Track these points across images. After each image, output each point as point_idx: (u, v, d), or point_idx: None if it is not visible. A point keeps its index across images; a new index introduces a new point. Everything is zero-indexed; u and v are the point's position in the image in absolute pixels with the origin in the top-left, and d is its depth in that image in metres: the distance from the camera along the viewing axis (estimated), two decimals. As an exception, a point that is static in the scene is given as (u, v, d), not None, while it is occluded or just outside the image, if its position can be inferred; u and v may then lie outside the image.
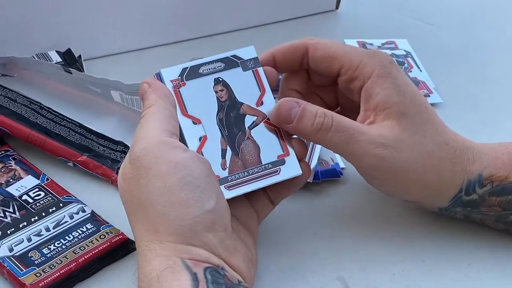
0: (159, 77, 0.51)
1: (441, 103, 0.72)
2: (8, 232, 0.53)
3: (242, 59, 0.53)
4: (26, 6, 0.71)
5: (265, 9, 0.84)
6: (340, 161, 0.62)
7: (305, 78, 0.56)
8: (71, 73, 0.67)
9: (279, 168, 0.51)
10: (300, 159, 0.52)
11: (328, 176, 0.60)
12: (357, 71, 0.52)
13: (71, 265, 0.51)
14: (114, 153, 0.62)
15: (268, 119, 0.52)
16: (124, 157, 0.59)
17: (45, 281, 0.50)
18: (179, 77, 0.52)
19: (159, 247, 0.44)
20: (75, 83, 0.68)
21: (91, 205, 0.56)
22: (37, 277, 0.50)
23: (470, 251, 0.55)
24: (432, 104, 0.71)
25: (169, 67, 0.52)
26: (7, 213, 0.55)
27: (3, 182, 0.58)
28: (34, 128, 0.62)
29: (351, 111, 0.55)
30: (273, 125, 0.52)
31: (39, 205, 0.56)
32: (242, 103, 0.52)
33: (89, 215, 0.55)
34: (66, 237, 0.53)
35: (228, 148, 0.51)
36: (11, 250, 0.52)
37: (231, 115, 0.52)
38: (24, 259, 0.51)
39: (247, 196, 0.51)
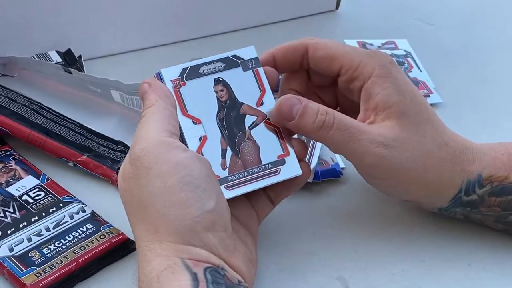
0: (159, 77, 0.51)
1: (441, 103, 0.72)
2: (8, 232, 0.53)
3: (243, 59, 0.53)
4: (26, 6, 0.71)
5: (265, 9, 0.84)
6: (340, 161, 0.62)
7: (305, 78, 0.56)
8: (71, 73, 0.67)
9: (279, 168, 0.51)
10: (300, 159, 0.52)
11: (328, 176, 0.60)
12: (357, 71, 0.53)
13: (71, 265, 0.51)
14: (114, 153, 0.62)
15: (268, 119, 0.52)
16: (124, 157, 0.59)
17: (45, 281, 0.50)
18: (179, 77, 0.52)
19: (159, 247, 0.44)
20: (75, 83, 0.68)
21: (91, 205, 0.56)
22: (37, 277, 0.50)
23: (470, 251, 0.55)
24: (432, 104, 0.71)
25: (169, 67, 0.52)
26: (7, 213, 0.55)
27: (3, 182, 0.58)
28: (34, 128, 0.62)
29: (351, 111, 0.55)
30: (273, 125, 0.52)
31: (39, 205, 0.56)
32: (242, 103, 0.52)
33: (89, 215, 0.55)
34: (66, 237, 0.53)
35: (228, 148, 0.51)
36: (11, 250, 0.52)
37: (231, 115, 0.52)
38: (24, 259, 0.51)
39: (247, 196, 0.51)
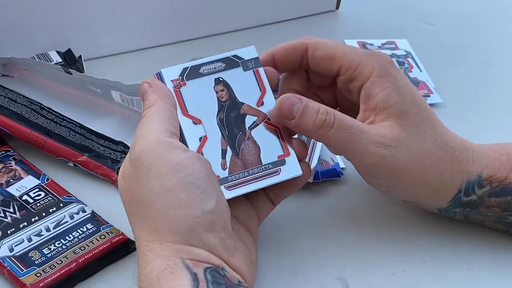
0: (159, 77, 0.51)
1: (441, 103, 0.72)
2: (9, 232, 0.53)
3: (243, 59, 0.53)
4: (26, 7, 0.71)
5: (265, 9, 0.84)
6: (340, 161, 0.62)
7: (305, 78, 0.56)
8: (71, 74, 0.67)
9: (280, 168, 0.51)
10: (301, 160, 0.52)
11: (328, 176, 0.60)
12: (357, 71, 0.53)
13: (72, 265, 0.51)
14: (114, 153, 0.62)
15: (268, 119, 0.52)
16: (124, 157, 0.59)
17: (45, 281, 0.50)
18: (180, 77, 0.51)
19: (159, 247, 0.44)
20: (75, 83, 0.68)
21: (91, 205, 0.56)
22: (38, 277, 0.50)
23: (470, 251, 0.55)
24: (432, 104, 0.71)
25: (170, 66, 0.52)
26: (7, 213, 0.55)
27: (3, 182, 0.58)
28: (35, 129, 0.62)
29: (350, 111, 0.55)
30: (274, 125, 0.52)
31: (39, 205, 0.56)
32: (243, 103, 0.52)
33: (89, 215, 0.55)
34: (67, 237, 0.53)
35: (229, 148, 0.51)
36: (11, 250, 0.52)
37: (231, 115, 0.52)
38: (24, 259, 0.51)
39: (247, 196, 0.51)
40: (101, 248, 0.52)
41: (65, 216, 0.55)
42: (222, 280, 0.44)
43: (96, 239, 0.53)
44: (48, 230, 0.53)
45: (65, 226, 0.54)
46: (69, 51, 0.73)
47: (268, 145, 0.52)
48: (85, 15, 0.74)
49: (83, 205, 0.56)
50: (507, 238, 0.56)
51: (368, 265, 0.54)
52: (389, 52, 0.79)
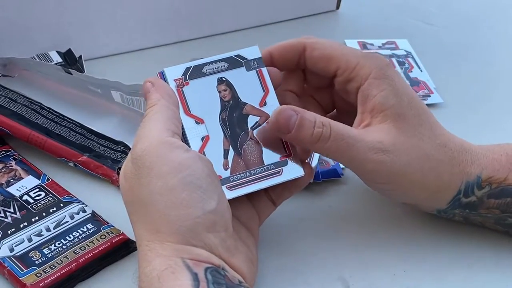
0: (162, 76, 0.51)
1: (441, 103, 0.72)
2: (9, 232, 0.53)
3: (246, 59, 0.53)
4: (26, 7, 0.71)
5: (266, 9, 0.84)
6: (341, 161, 0.62)
7: (302, 79, 0.56)
8: (71, 74, 0.67)
9: (281, 169, 0.51)
10: (303, 160, 0.52)
11: (328, 176, 0.60)
12: (354, 73, 0.52)
13: (72, 265, 0.51)
14: (114, 153, 0.62)
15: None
16: (125, 157, 0.59)
17: (45, 281, 0.50)
18: (183, 76, 0.51)
19: (160, 247, 0.44)
20: (76, 83, 0.68)
21: (91, 205, 0.56)
22: (38, 277, 0.50)
23: (471, 251, 0.55)
24: (432, 104, 0.71)
25: (173, 66, 0.51)
26: (7, 213, 0.55)
27: (3, 182, 0.58)
28: (35, 129, 0.62)
29: (347, 113, 0.55)
30: None
31: (39, 205, 0.56)
32: (245, 103, 0.52)
33: (89, 215, 0.55)
34: (67, 237, 0.53)
35: (231, 148, 0.51)
36: (11, 250, 0.52)
37: (234, 115, 0.52)
38: (24, 259, 0.51)
39: (249, 196, 0.51)
40: (102, 248, 0.52)
41: (65, 216, 0.55)
42: (223, 280, 0.44)
43: (96, 239, 0.53)
44: (48, 230, 0.53)
45: (66, 226, 0.54)
46: (69, 51, 0.73)
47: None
48: (85, 15, 0.74)
49: (84, 205, 0.56)
50: (508, 239, 0.56)
51: (368, 265, 0.54)
52: (389, 52, 0.79)
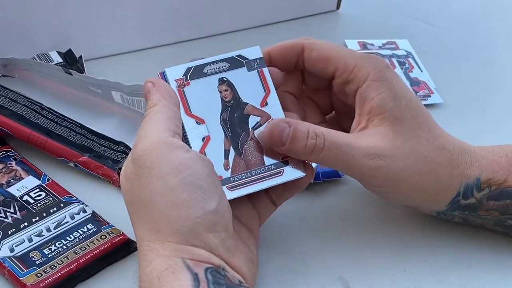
0: (163, 76, 0.51)
1: (442, 104, 0.72)
2: (9, 232, 0.53)
3: (247, 59, 0.53)
4: (26, 7, 0.71)
5: (266, 9, 0.84)
6: (341, 162, 0.62)
7: (300, 80, 0.56)
8: (71, 75, 0.67)
9: (282, 169, 0.51)
10: (303, 161, 0.52)
11: (329, 177, 0.60)
12: (352, 74, 0.52)
13: (72, 266, 0.51)
14: (115, 153, 0.62)
15: (272, 119, 0.52)
16: (125, 157, 0.60)
17: (46, 282, 0.50)
18: (184, 77, 0.51)
19: (160, 247, 0.44)
20: (76, 84, 0.68)
21: (92, 206, 0.56)
22: (38, 277, 0.50)
23: (471, 252, 0.55)
24: (433, 105, 0.71)
25: (174, 66, 0.51)
26: (8, 214, 0.55)
27: (4, 182, 0.58)
28: (35, 129, 0.62)
29: (346, 115, 0.55)
30: None
31: (40, 206, 0.56)
32: (246, 104, 0.52)
33: (90, 215, 0.55)
34: (67, 238, 0.53)
35: (231, 148, 0.51)
36: (12, 250, 0.52)
37: (235, 115, 0.52)
38: (25, 259, 0.51)
39: (249, 197, 0.51)
40: (102, 248, 0.52)
41: (65, 216, 0.55)
42: (223, 280, 0.44)
43: (96, 239, 0.53)
44: (48, 230, 0.53)
45: (66, 227, 0.54)
46: (69, 52, 0.73)
47: None
48: (85, 15, 0.74)
49: (84, 205, 0.56)
50: (507, 239, 0.56)
51: (368, 265, 0.54)
52: (389, 52, 0.79)
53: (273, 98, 0.52)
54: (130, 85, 0.64)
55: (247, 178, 0.50)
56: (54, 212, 0.55)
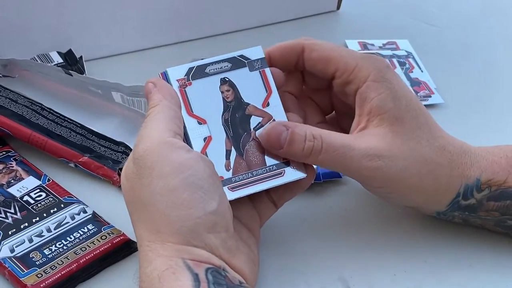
0: (165, 76, 0.51)
1: (442, 104, 0.72)
2: (9, 233, 0.53)
3: (249, 59, 0.53)
4: (26, 7, 0.71)
5: (266, 10, 0.84)
6: (342, 162, 0.62)
7: (300, 80, 0.56)
8: (72, 75, 0.67)
9: (284, 170, 0.51)
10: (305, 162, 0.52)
11: (329, 177, 0.60)
12: (352, 75, 0.52)
13: (73, 266, 0.51)
14: (115, 154, 0.62)
15: (273, 120, 0.52)
16: (125, 158, 0.60)
17: (46, 282, 0.50)
18: (185, 77, 0.51)
19: (160, 247, 0.44)
20: (76, 84, 0.68)
21: (92, 206, 0.56)
22: (38, 278, 0.50)
23: (471, 252, 0.55)
24: (433, 105, 0.71)
25: (175, 66, 0.51)
26: (8, 214, 0.55)
27: (4, 183, 0.58)
28: (35, 129, 0.62)
29: (346, 115, 0.55)
30: None
31: (40, 206, 0.56)
32: (248, 104, 0.52)
33: (90, 216, 0.55)
34: (68, 238, 0.53)
35: (233, 149, 0.51)
36: (12, 251, 0.52)
37: (236, 116, 0.51)
38: (25, 260, 0.51)
39: (250, 197, 0.51)
40: (102, 248, 0.52)
41: (66, 216, 0.55)
42: (223, 280, 0.44)
43: (97, 239, 0.53)
44: (49, 230, 0.53)
45: (66, 227, 0.54)
46: (70, 52, 0.73)
47: None
48: (85, 15, 0.74)
49: (84, 206, 0.56)
50: (508, 240, 0.56)
51: (369, 266, 0.54)
52: (390, 52, 0.79)
53: (275, 99, 0.52)
54: (130, 85, 0.64)
55: (248, 178, 0.50)
56: (54, 212, 0.55)
